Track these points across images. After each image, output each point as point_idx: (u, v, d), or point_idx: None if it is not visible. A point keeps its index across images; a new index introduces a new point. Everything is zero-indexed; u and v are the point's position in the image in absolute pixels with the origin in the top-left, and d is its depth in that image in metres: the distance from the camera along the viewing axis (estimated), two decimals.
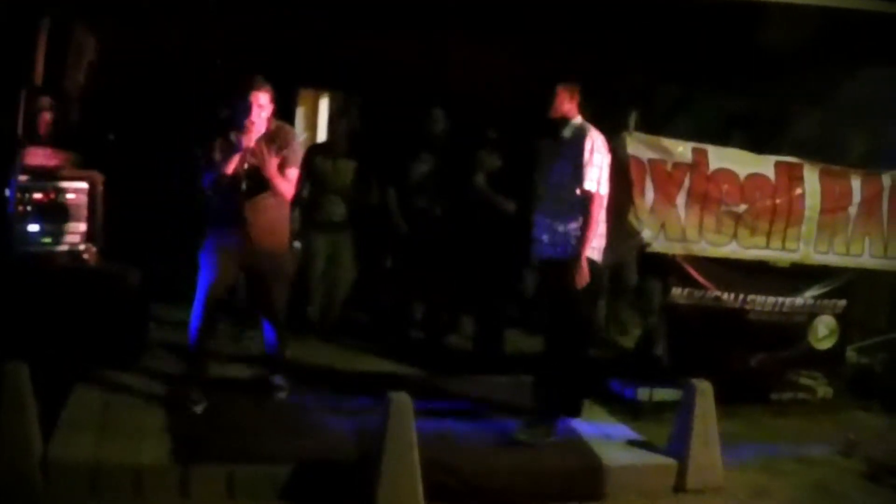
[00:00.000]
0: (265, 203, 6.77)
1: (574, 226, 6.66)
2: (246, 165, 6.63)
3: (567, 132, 6.80)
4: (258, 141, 6.63)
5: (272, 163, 6.62)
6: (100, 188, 7.73)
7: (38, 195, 7.58)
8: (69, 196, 7.70)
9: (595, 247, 6.74)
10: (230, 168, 6.58)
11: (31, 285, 7.21)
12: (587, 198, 6.61)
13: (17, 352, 5.87)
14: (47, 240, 7.63)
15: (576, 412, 7.15)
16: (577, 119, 6.83)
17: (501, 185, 8.50)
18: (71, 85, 7.15)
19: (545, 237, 6.84)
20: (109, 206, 8.02)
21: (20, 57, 6.66)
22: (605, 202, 6.73)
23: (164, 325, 8.75)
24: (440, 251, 8.75)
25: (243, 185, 6.67)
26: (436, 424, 6.68)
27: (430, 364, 8.51)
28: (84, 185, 7.74)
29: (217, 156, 6.63)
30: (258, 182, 6.68)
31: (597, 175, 6.63)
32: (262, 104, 6.60)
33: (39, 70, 6.72)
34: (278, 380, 7.23)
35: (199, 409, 6.70)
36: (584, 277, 6.60)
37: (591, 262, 6.69)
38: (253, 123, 6.56)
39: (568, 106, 6.81)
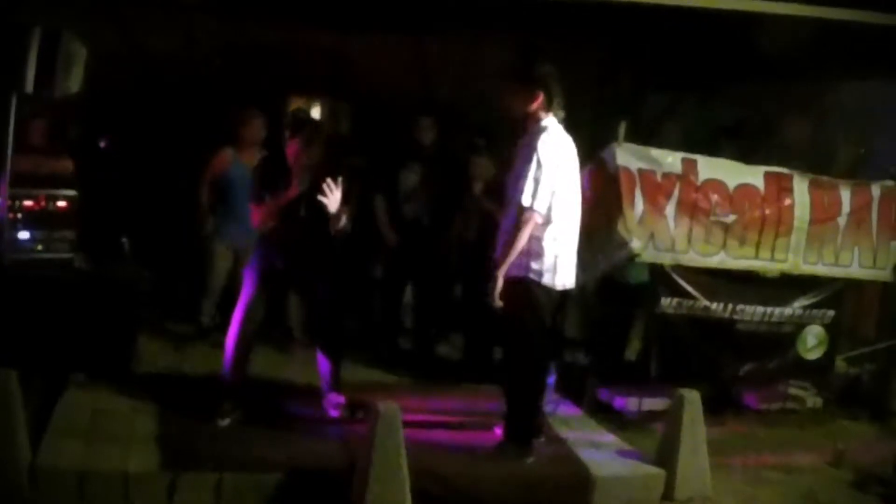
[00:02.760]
0: (318, 225, 6.78)
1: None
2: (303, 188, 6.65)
3: (526, 137, 6.46)
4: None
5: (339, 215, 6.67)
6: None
7: (28, 202, 7.58)
8: (60, 204, 7.71)
9: (536, 269, 6.40)
10: (277, 210, 6.65)
11: (22, 293, 7.19)
12: (518, 212, 6.29)
13: (6, 359, 5.88)
14: (38, 247, 7.63)
15: (523, 444, 6.70)
16: (543, 122, 6.46)
17: (495, 195, 8.50)
18: (62, 92, 7.13)
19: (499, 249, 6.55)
20: (100, 213, 8.04)
21: (11, 64, 6.65)
22: (531, 219, 6.31)
23: (153, 333, 8.75)
24: (430, 261, 8.78)
25: (301, 211, 6.69)
26: (424, 434, 6.70)
27: (419, 373, 8.54)
28: (74, 192, 7.75)
29: (267, 196, 6.68)
30: (316, 209, 6.67)
31: (532, 189, 6.25)
32: (309, 144, 6.67)
33: (30, 77, 6.71)
34: (335, 399, 7.16)
35: (225, 422, 6.68)
36: (494, 297, 6.32)
37: (533, 284, 6.42)
38: (302, 166, 6.61)
39: (533, 107, 6.44)
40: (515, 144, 6.59)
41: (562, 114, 6.53)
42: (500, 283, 6.31)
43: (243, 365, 6.92)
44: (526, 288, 6.44)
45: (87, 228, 7.79)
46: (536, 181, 6.27)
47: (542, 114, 6.48)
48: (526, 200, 6.26)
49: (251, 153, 8.47)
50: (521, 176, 6.29)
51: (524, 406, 6.73)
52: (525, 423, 6.71)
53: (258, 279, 6.82)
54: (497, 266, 6.34)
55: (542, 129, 6.41)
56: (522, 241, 6.31)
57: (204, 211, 8.72)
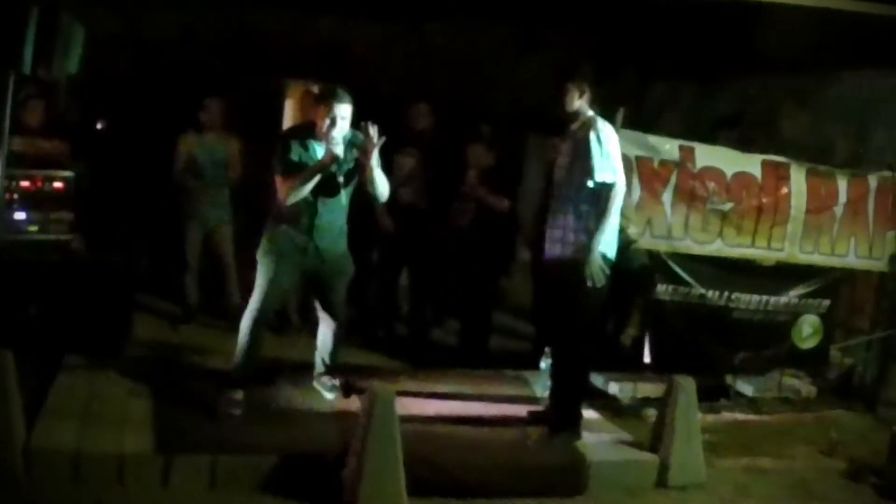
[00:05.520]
0: (334, 206, 6.75)
1: (582, 223, 6.55)
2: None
3: (575, 126, 6.67)
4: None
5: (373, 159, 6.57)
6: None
7: (25, 183, 7.57)
8: (56, 185, 7.70)
9: (607, 241, 6.61)
10: (311, 179, 6.53)
11: (18, 274, 7.19)
12: (604, 189, 6.48)
13: (1, 339, 5.87)
14: (34, 228, 7.63)
15: (571, 424, 6.90)
16: (588, 114, 6.69)
17: (494, 183, 8.49)
18: (59, 74, 7.12)
19: (555, 236, 6.71)
20: (96, 196, 8.03)
21: (8, 44, 6.62)
22: (622, 193, 6.65)
23: (148, 315, 8.75)
24: (426, 246, 8.77)
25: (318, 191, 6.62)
26: (419, 418, 6.72)
27: (415, 359, 8.55)
28: (71, 173, 7.74)
29: (296, 170, 6.55)
30: (332, 186, 6.66)
31: (610, 164, 6.50)
32: (344, 117, 6.54)
33: (28, 58, 6.68)
34: (329, 380, 7.15)
35: (236, 412, 6.58)
36: (598, 272, 6.48)
37: (604, 258, 6.60)
38: (336, 137, 6.51)
39: (579, 103, 6.66)
40: (564, 138, 6.80)
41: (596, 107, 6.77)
42: (598, 259, 6.51)
43: (257, 351, 6.83)
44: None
45: (83, 210, 7.78)
46: (612, 158, 6.53)
47: (587, 106, 6.70)
48: (609, 176, 6.48)
49: (214, 136, 8.70)
50: (596, 157, 6.48)
51: (577, 390, 6.96)
52: (577, 408, 6.91)
53: (278, 261, 6.71)
54: (591, 245, 6.50)
55: (594, 119, 6.65)
56: (613, 214, 6.56)
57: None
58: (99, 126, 10.14)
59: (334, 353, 7.18)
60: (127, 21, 9.64)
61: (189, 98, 8.77)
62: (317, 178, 6.52)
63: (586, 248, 6.51)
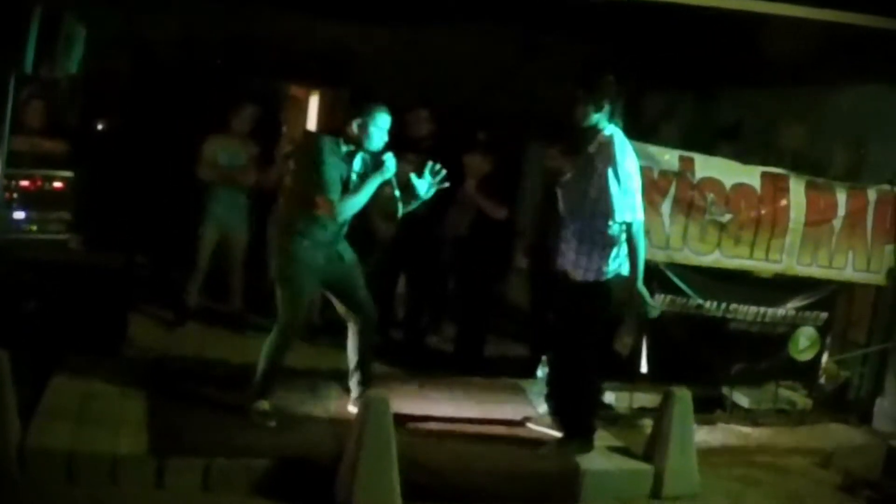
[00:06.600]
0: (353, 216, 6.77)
1: (598, 249, 6.51)
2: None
3: (592, 147, 6.54)
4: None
5: None
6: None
7: (25, 182, 7.58)
8: (56, 184, 7.71)
9: (623, 268, 6.61)
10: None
11: (15, 273, 7.19)
12: (627, 227, 6.43)
13: None
14: (33, 227, 7.64)
15: (585, 434, 6.88)
16: (607, 131, 6.56)
17: (491, 190, 8.49)
18: (61, 74, 7.13)
19: (569, 256, 6.67)
20: (95, 196, 8.03)
21: (11, 44, 6.63)
22: (643, 225, 6.58)
23: (144, 316, 8.75)
24: (423, 252, 8.77)
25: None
26: (414, 425, 6.72)
27: (410, 364, 8.54)
28: (70, 173, 7.76)
29: (341, 186, 6.53)
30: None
31: (630, 201, 6.43)
32: (387, 129, 6.61)
33: (30, 58, 6.69)
34: (360, 390, 7.03)
35: (272, 423, 6.55)
36: (644, 300, 6.53)
37: (614, 282, 6.61)
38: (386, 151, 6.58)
39: (596, 117, 6.52)
40: (571, 150, 6.76)
41: (621, 122, 6.66)
42: (638, 293, 6.52)
43: (281, 366, 6.80)
44: (610, 287, 6.62)
45: (82, 210, 7.80)
46: (631, 193, 6.46)
47: (605, 122, 6.57)
48: (628, 216, 6.43)
49: (238, 141, 8.77)
50: (614, 196, 6.39)
51: (591, 401, 7.00)
52: (591, 418, 6.90)
53: (303, 276, 6.67)
54: (633, 279, 6.50)
55: (611, 141, 6.51)
56: (642, 248, 6.52)
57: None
58: (99, 126, 10.16)
59: (368, 366, 7.10)
60: (128, 21, 9.66)
61: (189, 99, 8.80)
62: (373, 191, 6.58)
63: (631, 284, 6.50)
